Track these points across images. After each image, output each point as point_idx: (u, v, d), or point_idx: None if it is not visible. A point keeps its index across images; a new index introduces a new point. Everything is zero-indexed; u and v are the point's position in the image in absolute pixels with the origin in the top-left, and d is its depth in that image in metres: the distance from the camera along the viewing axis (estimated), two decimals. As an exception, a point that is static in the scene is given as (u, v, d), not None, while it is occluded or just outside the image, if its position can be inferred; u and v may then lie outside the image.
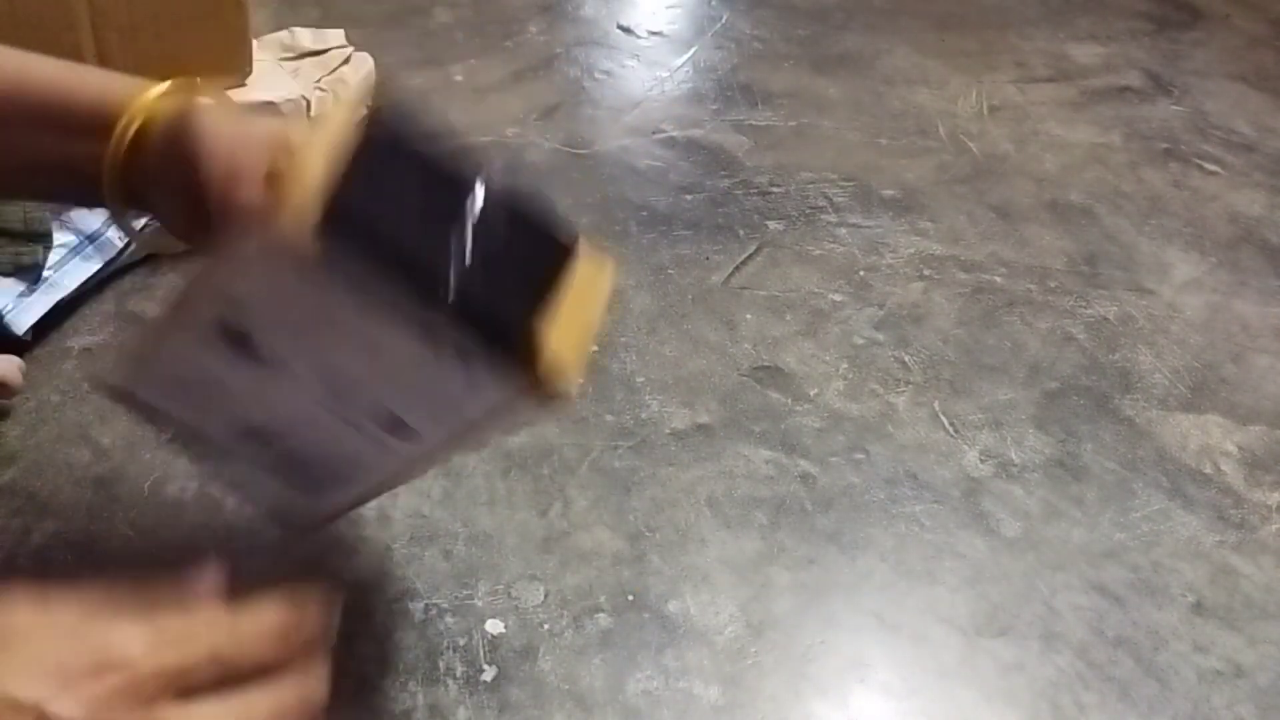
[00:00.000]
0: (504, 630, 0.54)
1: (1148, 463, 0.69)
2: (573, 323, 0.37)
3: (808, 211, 0.91)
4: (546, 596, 0.56)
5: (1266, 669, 0.56)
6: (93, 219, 0.72)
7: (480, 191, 0.34)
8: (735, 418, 0.69)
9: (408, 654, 0.53)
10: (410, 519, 0.60)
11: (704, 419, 0.68)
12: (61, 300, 0.70)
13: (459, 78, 1.07)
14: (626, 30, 1.20)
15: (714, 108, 1.06)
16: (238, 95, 0.79)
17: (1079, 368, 0.76)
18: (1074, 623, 0.58)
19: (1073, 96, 1.15)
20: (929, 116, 1.08)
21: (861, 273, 0.84)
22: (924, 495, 0.64)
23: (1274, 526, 0.65)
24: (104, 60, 0.73)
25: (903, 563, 0.60)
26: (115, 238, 0.73)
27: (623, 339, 0.74)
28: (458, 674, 0.52)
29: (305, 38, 0.89)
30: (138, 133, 0.43)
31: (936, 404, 0.71)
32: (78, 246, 0.71)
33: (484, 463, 0.63)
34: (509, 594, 0.56)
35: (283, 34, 0.90)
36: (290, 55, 0.88)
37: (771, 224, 0.89)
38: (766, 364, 0.73)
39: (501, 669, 0.53)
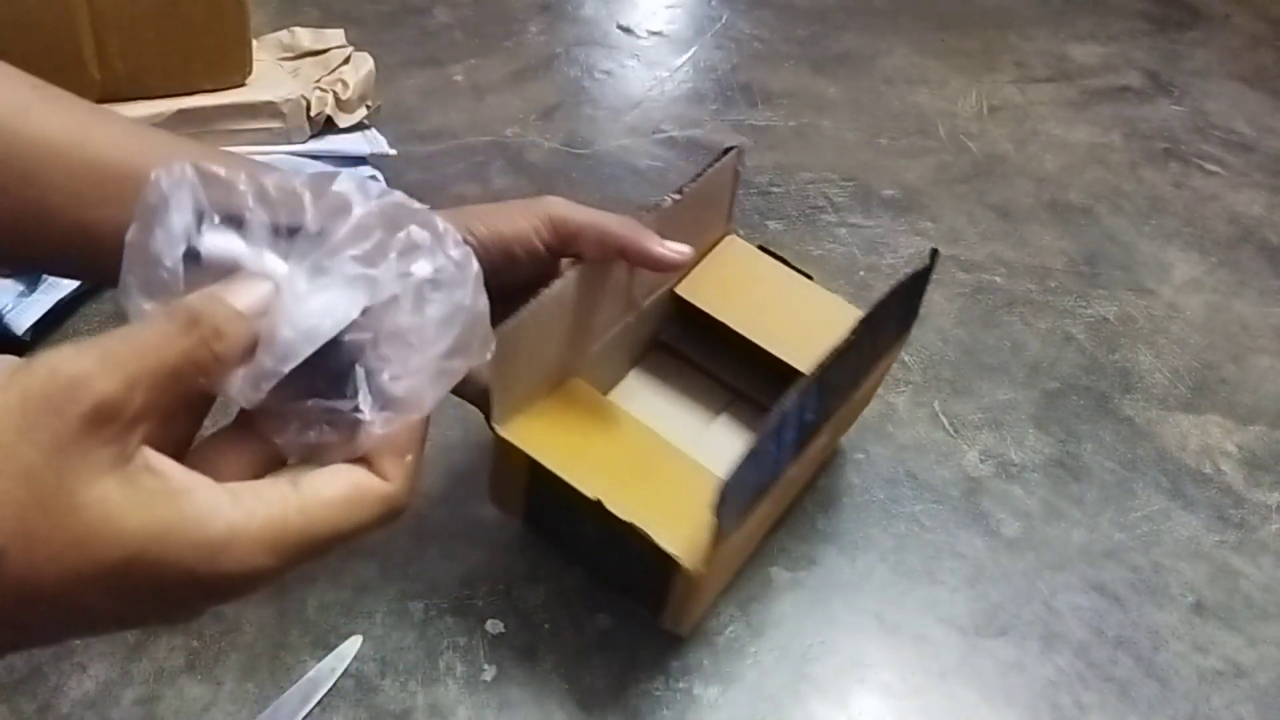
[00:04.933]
0: (504, 630, 0.54)
1: (1148, 463, 0.69)
2: None
3: (808, 211, 0.91)
4: (546, 596, 0.56)
5: (1266, 669, 0.56)
6: (93, 219, 0.72)
7: None
8: (735, 418, 0.69)
9: (408, 654, 0.53)
10: (410, 519, 0.59)
11: (704, 419, 0.68)
12: (61, 300, 0.70)
13: (459, 78, 1.07)
14: (626, 30, 1.20)
15: (714, 108, 1.06)
16: (237, 95, 0.78)
17: (1079, 368, 0.76)
18: (1074, 623, 0.58)
19: (1073, 96, 1.15)
20: (929, 116, 1.08)
21: (861, 273, 0.84)
22: (924, 495, 0.64)
23: (1274, 526, 0.65)
24: (104, 60, 0.73)
25: (903, 563, 0.60)
26: (115, 238, 0.73)
27: (623, 339, 0.74)
28: (458, 674, 0.52)
29: (305, 38, 0.89)
30: None
31: (936, 404, 0.71)
32: (78, 246, 0.71)
33: (485, 462, 0.63)
34: (509, 594, 0.56)
35: (283, 34, 0.90)
36: (290, 55, 0.88)
37: (771, 224, 0.89)
38: (766, 364, 0.73)
39: (501, 669, 0.53)
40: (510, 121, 1.00)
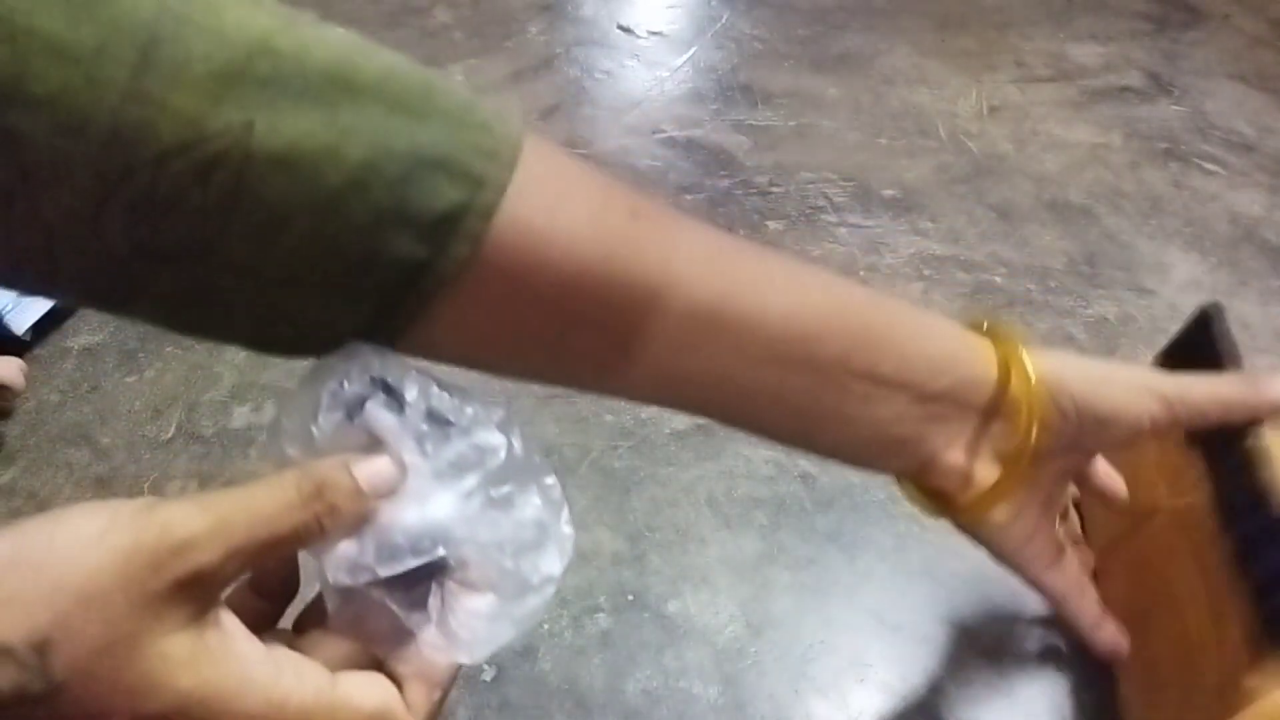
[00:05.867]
0: (504, 630, 0.54)
1: (1148, 463, 0.69)
2: None
3: (808, 211, 0.91)
4: (546, 596, 0.56)
5: (1266, 669, 0.56)
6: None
7: None
8: (735, 418, 0.69)
9: (408, 654, 0.53)
10: (410, 519, 0.59)
11: (704, 419, 0.68)
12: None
13: (459, 78, 1.07)
14: (626, 30, 1.20)
15: (714, 108, 1.06)
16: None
17: (1079, 368, 0.76)
18: (1074, 623, 0.58)
19: (1073, 96, 1.15)
20: (929, 116, 1.08)
21: (861, 273, 0.84)
22: (924, 495, 0.64)
23: (1274, 526, 0.65)
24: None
25: (903, 563, 0.60)
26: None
27: (623, 339, 0.74)
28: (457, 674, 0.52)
29: (305, 38, 0.89)
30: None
31: (936, 404, 0.71)
32: (78, 246, 0.71)
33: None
34: (509, 594, 0.56)
35: (283, 34, 0.90)
36: (290, 55, 0.88)
37: (771, 224, 0.89)
38: (766, 364, 0.73)
39: (501, 669, 0.53)
40: (510, 121, 1.00)
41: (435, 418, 0.30)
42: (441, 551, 0.28)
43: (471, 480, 0.29)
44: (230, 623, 0.27)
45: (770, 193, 0.93)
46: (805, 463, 0.66)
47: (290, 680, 0.27)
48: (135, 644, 0.24)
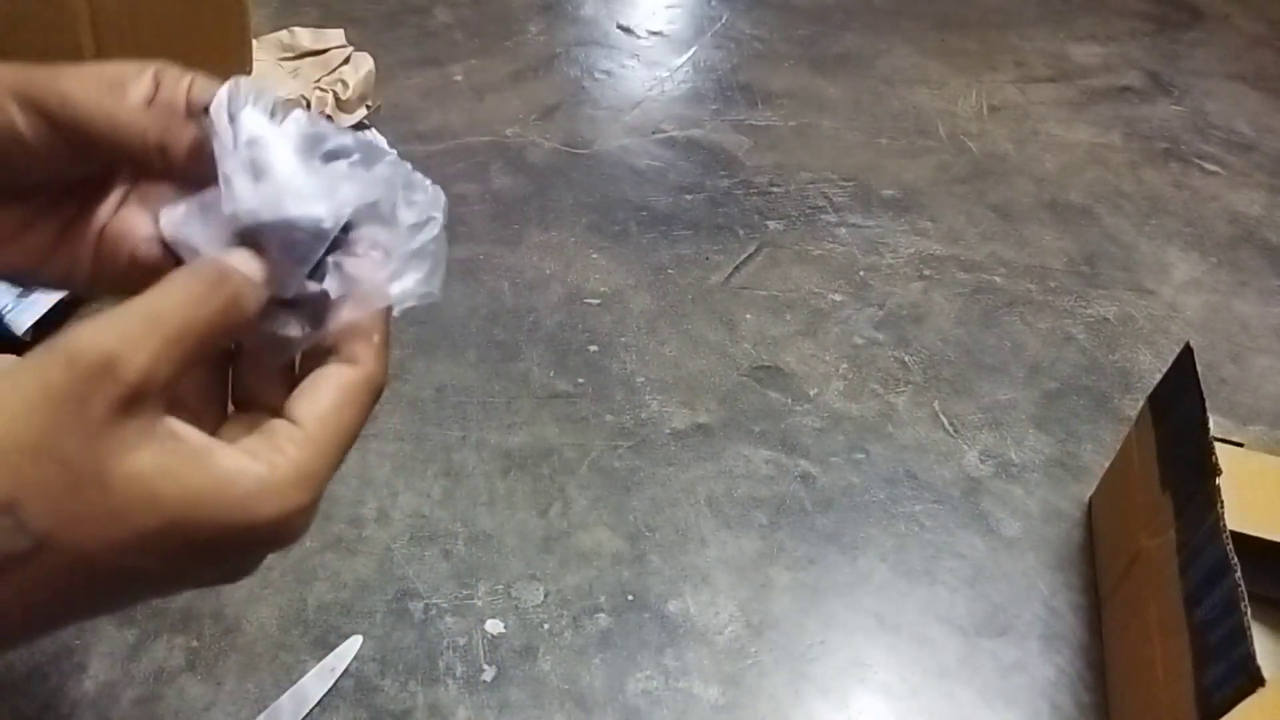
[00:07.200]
0: (504, 630, 0.54)
1: (1148, 463, 0.69)
2: None
3: (808, 211, 0.91)
4: (546, 596, 0.56)
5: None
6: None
7: None
8: (735, 418, 0.69)
9: (408, 654, 0.53)
10: (410, 519, 0.60)
11: (704, 419, 0.68)
12: (62, 300, 0.70)
13: (459, 78, 1.07)
14: (626, 30, 1.20)
15: (714, 108, 1.06)
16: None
17: (1079, 368, 0.76)
18: (1074, 622, 0.58)
19: (1073, 96, 1.15)
20: (929, 116, 1.08)
21: (861, 273, 0.84)
22: (924, 495, 0.64)
23: (1274, 526, 0.65)
24: (103, 60, 0.73)
25: (903, 563, 0.60)
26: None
27: (623, 339, 0.74)
28: (458, 674, 0.52)
29: (305, 38, 0.89)
30: None
31: (936, 404, 0.71)
32: (77, 246, 0.71)
33: (484, 463, 0.63)
34: (509, 594, 0.56)
35: (283, 34, 0.90)
36: (290, 55, 0.88)
37: (771, 224, 0.89)
38: (766, 364, 0.73)
39: (501, 669, 0.53)
40: (510, 121, 1.00)
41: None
42: (314, 213, 0.30)
43: (332, 150, 0.31)
44: (181, 427, 0.26)
45: (770, 193, 0.93)
46: (805, 462, 0.66)
47: (265, 451, 0.26)
48: (101, 475, 0.24)
